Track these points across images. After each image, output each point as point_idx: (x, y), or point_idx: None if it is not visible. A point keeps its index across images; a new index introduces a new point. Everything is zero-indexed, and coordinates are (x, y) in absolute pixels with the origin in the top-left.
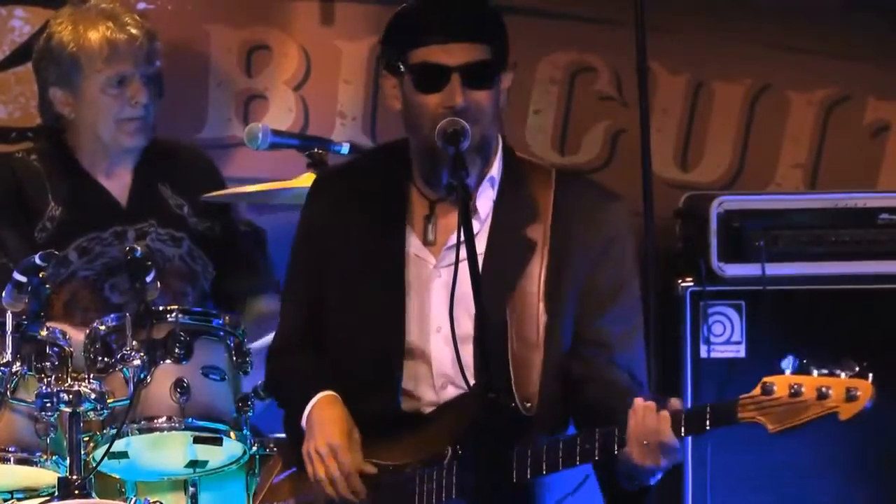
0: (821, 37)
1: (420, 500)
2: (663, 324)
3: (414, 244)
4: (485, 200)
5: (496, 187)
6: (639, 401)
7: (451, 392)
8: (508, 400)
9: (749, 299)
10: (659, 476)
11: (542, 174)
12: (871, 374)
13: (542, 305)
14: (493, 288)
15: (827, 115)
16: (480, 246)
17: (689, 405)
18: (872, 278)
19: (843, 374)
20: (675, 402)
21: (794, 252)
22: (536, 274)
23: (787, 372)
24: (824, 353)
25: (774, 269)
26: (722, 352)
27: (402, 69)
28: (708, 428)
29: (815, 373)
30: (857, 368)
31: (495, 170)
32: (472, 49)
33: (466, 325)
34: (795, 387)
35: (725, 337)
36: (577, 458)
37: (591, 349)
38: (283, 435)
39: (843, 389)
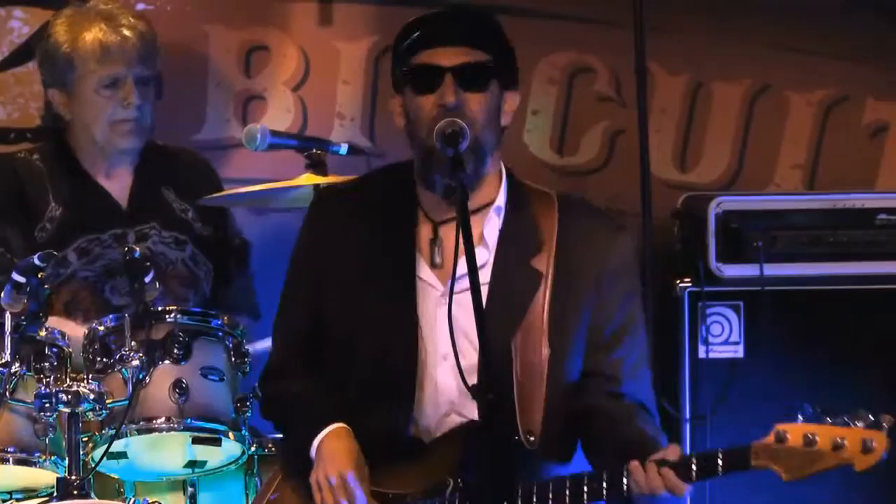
0: (820, 37)
1: None
2: (662, 324)
3: (422, 269)
4: (491, 230)
5: (502, 216)
6: (635, 464)
7: (454, 420)
8: (512, 433)
9: (747, 300)
10: None
11: (546, 200)
12: (886, 426)
13: (545, 338)
14: (500, 319)
15: (826, 116)
16: (487, 276)
17: (687, 405)
18: (871, 279)
19: (857, 424)
20: (674, 450)
21: (792, 252)
22: (541, 305)
23: (800, 420)
24: (823, 352)
25: (773, 269)
26: (720, 352)
27: (403, 77)
28: (720, 475)
29: (829, 422)
30: (872, 419)
31: (501, 198)
32: (467, 52)
33: (472, 356)
34: (810, 436)
35: (724, 337)
36: (585, 496)
37: (601, 382)
38: (281, 436)
39: (859, 441)
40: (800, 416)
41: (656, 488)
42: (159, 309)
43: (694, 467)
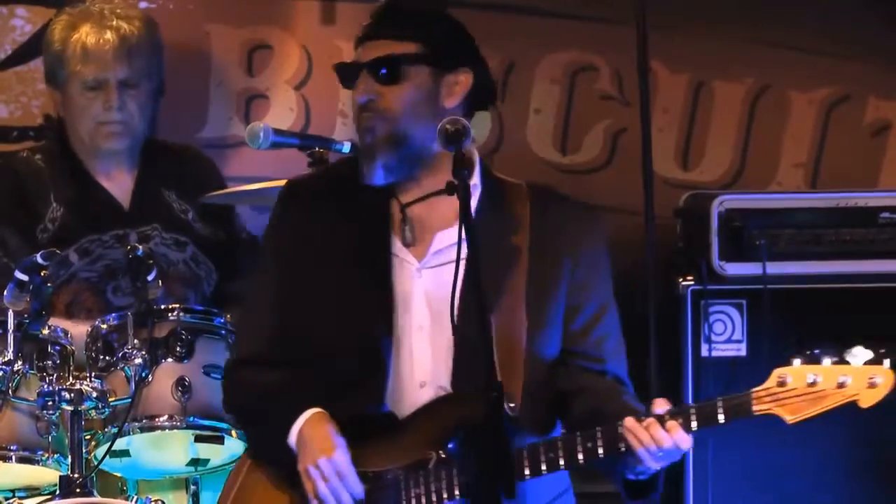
0: (822, 36)
1: None
2: (664, 323)
3: (396, 245)
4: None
5: (477, 195)
6: (630, 420)
7: (428, 392)
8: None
9: (750, 298)
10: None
11: (517, 188)
12: (887, 361)
13: (522, 310)
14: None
15: (828, 115)
16: (464, 252)
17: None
18: (873, 277)
19: (857, 362)
20: (660, 403)
21: (794, 251)
22: (518, 280)
23: (797, 362)
24: (824, 352)
25: (775, 268)
26: (723, 350)
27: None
28: (721, 422)
29: (828, 361)
30: (872, 355)
31: (476, 178)
32: (386, 45)
33: (448, 327)
34: (812, 376)
35: (726, 336)
36: (581, 456)
37: (584, 362)
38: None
39: (865, 377)
40: (796, 360)
41: (661, 441)
42: (162, 307)
43: (693, 417)
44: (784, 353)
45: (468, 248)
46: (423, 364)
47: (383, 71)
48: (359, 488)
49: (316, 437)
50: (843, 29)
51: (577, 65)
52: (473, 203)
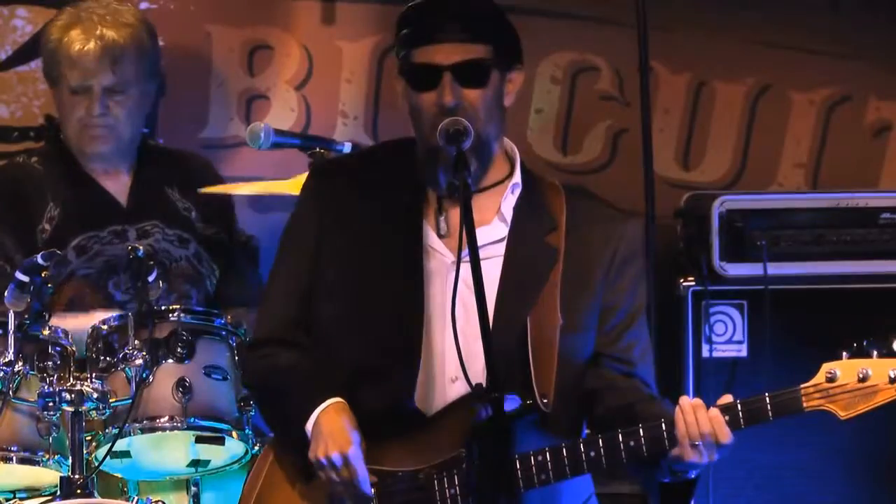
0: (823, 36)
1: None
2: (665, 323)
3: (430, 237)
4: (508, 206)
5: (517, 194)
6: (685, 399)
7: (459, 388)
8: (527, 396)
9: (751, 299)
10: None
11: (553, 188)
12: None
13: (557, 310)
14: (517, 290)
15: (828, 115)
16: (502, 250)
17: None
18: (874, 278)
19: None
20: (726, 396)
21: (795, 252)
22: (555, 280)
23: (845, 356)
24: (826, 351)
25: (776, 268)
26: (724, 351)
27: (401, 71)
28: (770, 420)
29: (875, 354)
30: None
31: (517, 176)
32: (465, 48)
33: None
34: (863, 371)
35: (727, 336)
36: (623, 455)
37: (614, 364)
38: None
39: None
40: (844, 354)
41: (703, 428)
42: (163, 308)
43: (741, 413)
44: (785, 354)
45: (470, 245)
46: (455, 358)
47: (471, 75)
48: (367, 487)
49: (332, 428)
50: (844, 29)
51: (578, 65)
52: (514, 200)
